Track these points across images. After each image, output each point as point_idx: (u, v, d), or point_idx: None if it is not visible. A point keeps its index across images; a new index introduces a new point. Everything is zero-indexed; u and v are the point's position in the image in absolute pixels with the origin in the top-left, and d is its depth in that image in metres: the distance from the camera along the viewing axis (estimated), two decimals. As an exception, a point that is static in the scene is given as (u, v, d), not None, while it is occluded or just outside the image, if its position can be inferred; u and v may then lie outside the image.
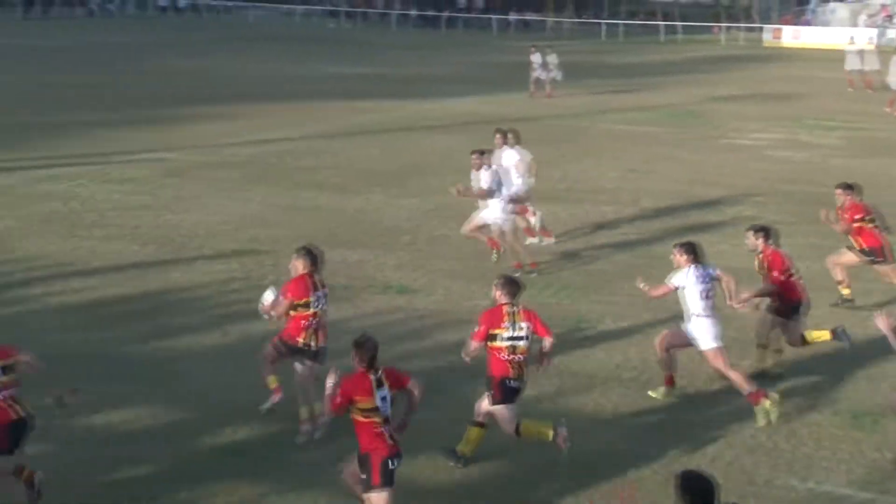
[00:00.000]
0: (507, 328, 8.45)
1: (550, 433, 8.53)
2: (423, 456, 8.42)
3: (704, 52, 49.94)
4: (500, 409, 8.51)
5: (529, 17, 67.05)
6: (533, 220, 15.12)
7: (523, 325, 8.50)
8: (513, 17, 64.31)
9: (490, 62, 42.58)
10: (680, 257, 9.72)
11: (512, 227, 13.93)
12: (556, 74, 32.61)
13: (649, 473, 8.58)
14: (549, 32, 59.74)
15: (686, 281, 9.58)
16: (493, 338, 8.46)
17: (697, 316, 9.55)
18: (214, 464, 8.52)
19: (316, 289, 9.05)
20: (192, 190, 18.15)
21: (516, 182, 14.64)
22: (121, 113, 26.26)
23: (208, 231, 15.46)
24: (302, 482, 8.27)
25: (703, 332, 9.59)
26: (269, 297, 9.26)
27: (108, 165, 19.76)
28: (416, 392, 7.51)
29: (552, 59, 32.71)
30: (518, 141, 15.02)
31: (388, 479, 7.13)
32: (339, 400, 7.18)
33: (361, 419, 7.18)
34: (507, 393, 8.48)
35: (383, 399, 7.22)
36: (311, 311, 8.98)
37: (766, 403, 9.42)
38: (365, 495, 7.21)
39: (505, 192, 13.72)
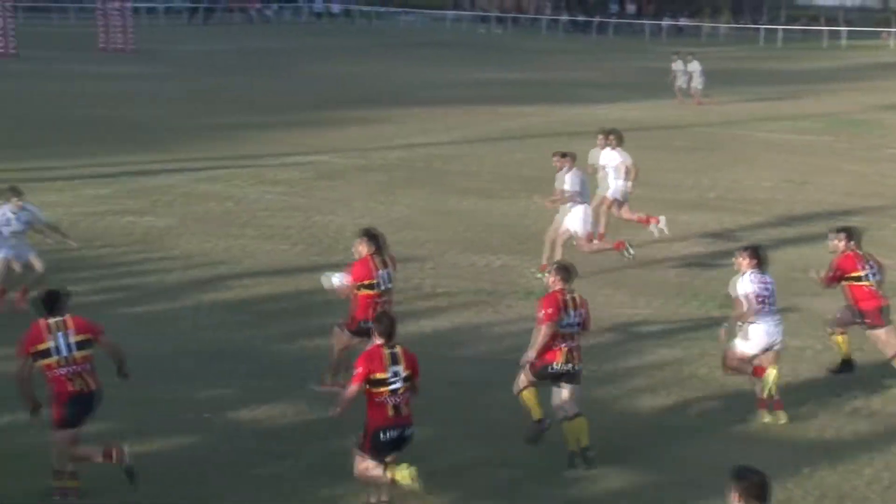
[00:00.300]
0: (566, 315, 8.48)
1: (538, 415, 8.55)
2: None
3: (871, 59, 48.03)
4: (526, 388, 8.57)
5: (683, 22, 65.85)
6: (655, 226, 14.77)
7: (581, 311, 8.57)
8: (665, 22, 63.27)
9: (640, 68, 41.98)
10: (742, 261, 9.43)
11: (586, 232, 13.50)
12: (699, 82, 31.76)
13: (801, 495, 8.24)
14: (704, 38, 58.55)
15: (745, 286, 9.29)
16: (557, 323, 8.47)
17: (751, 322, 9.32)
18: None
19: (378, 269, 9.43)
20: (341, 192, 18.50)
21: (614, 184, 14.67)
22: (274, 116, 27.03)
23: (355, 233, 15.68)
24: (446, 483, 8.25)
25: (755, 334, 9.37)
26: (331, 281, 9.72)
27: (261, 167, 20.35)
28: (417, 386, 7.70)
29: (693, 66, 31.87)
30: (620, 143, 14.92)
31: (376, 448, 7.41)
32: (359, 371, 7.43)
33: (371, 390, 7.42)
34: (545, 376, 8.53)
35: (395, 374, 7.45)
36: (377, 290, 9.38)
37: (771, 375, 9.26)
38: (356, 453, 7.50)
39: (585, 196, 13.48)
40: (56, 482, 7.76)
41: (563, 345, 8.47)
